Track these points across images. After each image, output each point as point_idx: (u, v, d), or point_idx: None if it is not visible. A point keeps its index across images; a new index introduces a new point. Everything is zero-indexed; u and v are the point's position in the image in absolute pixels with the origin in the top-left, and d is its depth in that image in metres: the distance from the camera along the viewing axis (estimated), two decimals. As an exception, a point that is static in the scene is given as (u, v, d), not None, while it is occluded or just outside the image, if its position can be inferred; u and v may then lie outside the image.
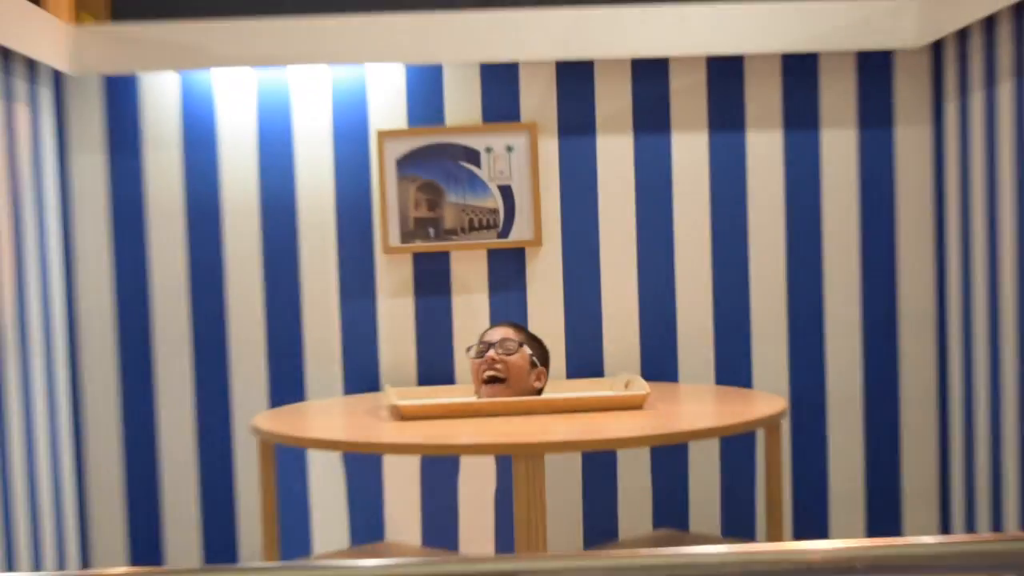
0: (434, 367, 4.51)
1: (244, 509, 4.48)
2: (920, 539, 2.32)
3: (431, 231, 4.45)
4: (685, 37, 4.36)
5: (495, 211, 4.46)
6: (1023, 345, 3.84)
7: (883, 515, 4.55)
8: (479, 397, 3.91)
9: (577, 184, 4.50)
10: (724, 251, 4.51)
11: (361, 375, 4.50)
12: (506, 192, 4.45)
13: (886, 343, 4.53)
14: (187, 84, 4.45)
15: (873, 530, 4.53)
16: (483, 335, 4.04)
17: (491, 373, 3.89)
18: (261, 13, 4.38)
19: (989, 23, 3.99)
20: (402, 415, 3.60)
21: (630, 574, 2.26)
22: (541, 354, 4.03)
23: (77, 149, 4.43)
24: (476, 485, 4.52)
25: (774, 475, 3.70)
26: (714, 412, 3.90)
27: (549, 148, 4.47)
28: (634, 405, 3.70)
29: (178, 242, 4.46)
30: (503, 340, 3.93)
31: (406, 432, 3.48)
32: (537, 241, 4.45)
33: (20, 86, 4.04)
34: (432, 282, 4.50)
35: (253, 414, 4.20)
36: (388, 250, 4.43)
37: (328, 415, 4.08)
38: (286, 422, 3.82)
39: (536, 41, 4.35)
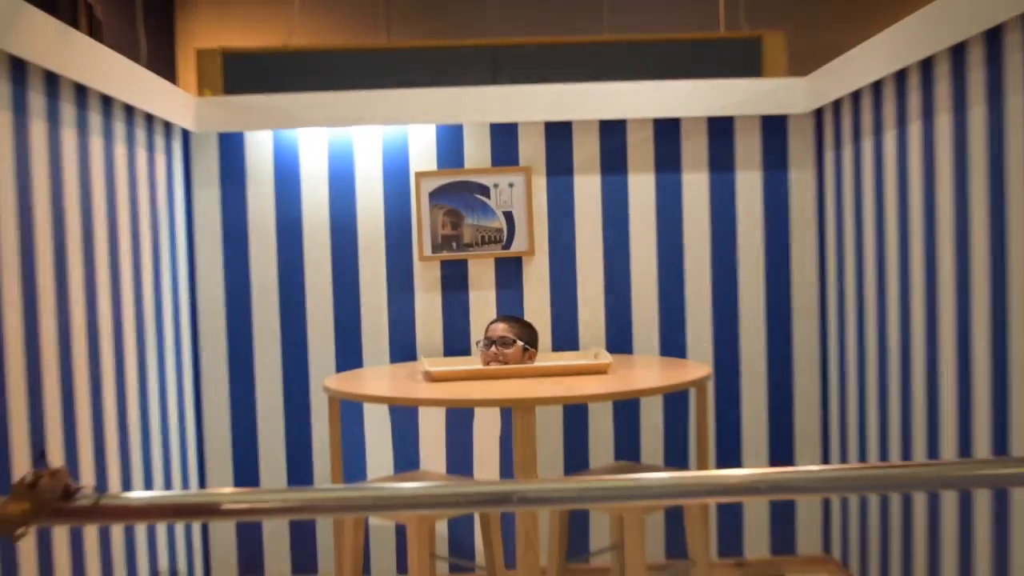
0: (456, 343, 4.59)
1: (317, 446, 4.58)
2: (807, 468, 2.57)
3: (454, 244, 4.54)
4: (637, 106, 4.48)
5: (500, 230, 4.54)
6: (881, 328, 3.97)
7: (780, 451, 4.65)
8: (487, 367, 3.95)
9: (559, 211, 4.59)
10: (666, 259, 4.60)
11: (402, 348, 4.59)
12: (508, 216, 4.54)
13: (782, 326, 4.64)
14: (278, 139, 4.55)
15: (773, 462, 4.63)
16: (488, 330, 4.06)
17: (495, 365, 3.93)
18: (331, 88, 4.48)
19: (855, 96, 4.14)
20: (432, 378, 3.65)
21: (596, 493, 2.48)
22: (531, 338, 4.05)
23: (199, 186, 4.55)
24: (486, 429, 4.60)
25: (702, 422, 3.72)
26: (659, 376, 3.87)
27: (540, 185, 4.58)
28: (600, 371, 3.77)
29: (270, 252, 4.57)
30: (502, 337, 3.96)
31: (435, 390, 3.49)
32: (531, 252, 4.55)
33: (159, 141, 4.18)
34: (454, 281, 4.59)
35: (323, 377, 4.34)
36: (423, 258, 4.54)
37: (378, 378, 4.07)
38: (348, 383, 3.83)
39: (530, 108, 4.47)
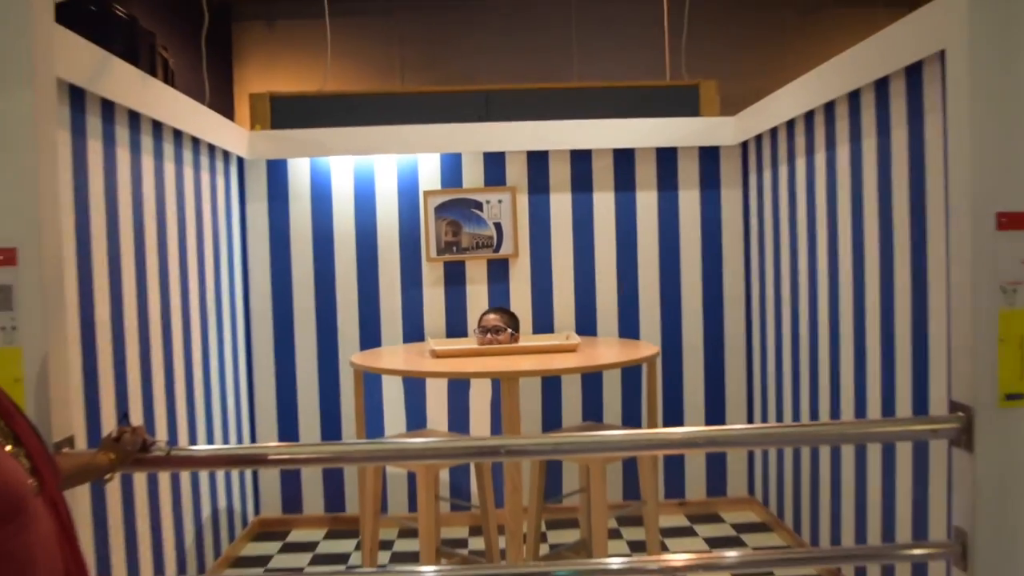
0: (456, 327, 4.57)
1: (345, 409, 4.56)
2: (735, 426, 2.60)
3: (454, 248, 4.53)
4: (600, 138, 4.49)
5: (491, 237, 4.54)
6: (794, 313, 3.98)
7: (714, 413, 4.66)
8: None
9: (539, 222, 4.59)
10: (623, 260, 4.60)
11: (413, 331, 4.58)
12: (498, 226, 4.54)
13: (716, 313, 4.64)
14: (314, 164, 4.55)
15: (708, 421, 4.64)
16: (483, 320, 4.00)
17: None
18: (357, 124, 4.47)
19: (773, 131, 4.15)
20: (437, 355, 3.62)
21: (568, 446, 2.49)
22: (516, 325, 4.02)
23: (251, 201, 4.54)
24: (480, 396, 4.59)
25: (652, 390, 3.72)
26: (617, 353, 3.82)
27: (522, 201, 4.58)
28: (571, 349, 3.75)
29: (307, 254, 4.56)
30: (495, 326, 3.92)
31: (439, 365, 3.46)
32: (516, 254, 4.55)
33: (219, 166, 4.18)
34: (455, 278, 4.58)
35: (350, 353, 4.36)
36: (429, 259, 4.53)
37: (393, 355, 4.03)
38: (369, 359, 3.79)
39: (515, 140, 4.47)
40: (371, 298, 4.58)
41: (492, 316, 4.02)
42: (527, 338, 4.24)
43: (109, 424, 2.86)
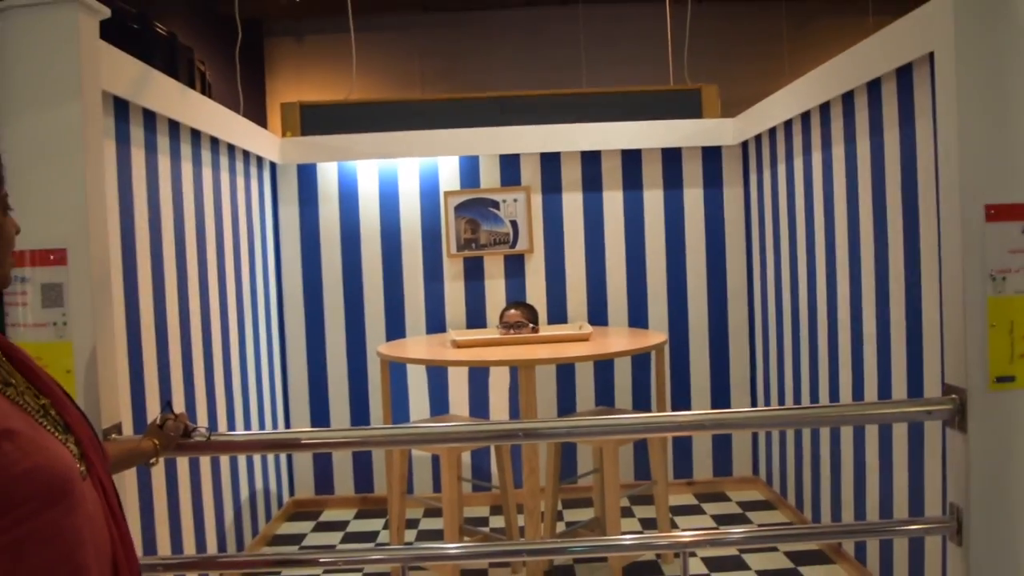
0: (475, 318, 4.57)
1: (373, 396, 4.56)
2: (740, 410, 2.59)
3: (473, 245, 4.53)
4: (609, 140, 4.47)
5: (508, 234, 4.53)
6: (794, 303, 3.96)
7: (720, 397, 4.64)
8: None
9: (552, 219, 4.57)
10: (632, 254, 4.58)
11: (435, 323, 4.57)
12: (514, 224, 4.53)
13: (720, 304, 4.61)
14: (341, 168, 4.55)
15: (714, 405, 4.62)
16: (505, 316, 4.02)
17: None
18: (381, 130, 4.46)
19: (772, 132, 4.12)
20: (458, 345, 3.64)
21: (582, 430, 2.49)
22: (534, 318, 4.04)
23: (283, 203, 4.55)
24: (499, 383, 4.59)
25: (660, 376, 3.71)
26: (628, 342, 3.81)
27: (537, 200, 4.56)
28: (584, 338, 3.75)
29: (336, 252, 4.56)
30: (517, 323, 3.93)
31: (460, 354, 3.48)
32: (531, 250, 4.53)
33: (253, 171, 4.19)
34: (473, 273, 4.57)
35: (377, 344, 4.40)
36: (450, 255, 4.53)
37: (417, 345, 4.04)
38: (395, 349, 3.80)
39: (529, 143, 4.46)
40: (396, 292, 4.58)
41: (514, 312, 4.03)
42: (543, 328, 4.20)
43: (153, 412, 2.88)
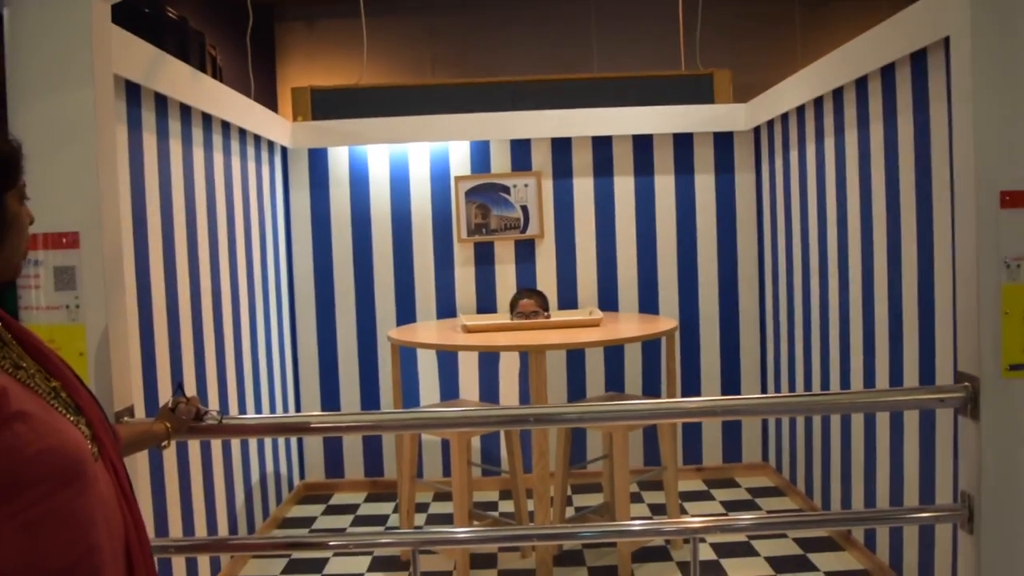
0: (485, 303, 4.57)
1: (383, 381, 4.57)
2: (750, 396, 2.58)
3: (483, 230, 4.52)
4: (620, 125, 4.45)
5: (518, 219, 4.52)
6: (805, 290, 3.94)
7: (729, 384, 4.62)
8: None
9: (562, 205, 4.56)
10: (643, 240, 4.56)
11: (446, 308, 4.57)
12: (524, 209, 4.52)
13: (730, 290, 4.59)
14: (352, 153, 4.55)
15: (724, 391, 4.61)
16: (519, 305, 4.01)
17: None
18: (392, 115, 4.46)
19: (784, 117, 4.09)
20: (468, 330, 3.63)
21: (592, 415, 2.49)
22: (546, 305, 4.04)
23: (294, 187, 4.55)
24: (509, 368, 4.59)
25: (671, 362, 3.71)
26: (638, 327, 3.80)
27: (547, 185, 4.55)
28: (594, 324, 3.75)
29: (347, 236, 4.56)
30: (532, 311, 3.94)
31: (471, 339, 3.48)
32: (541, 235, 4.53)
33: (264, 155, 4.19)
34: (484, 258, 4.57)
35: (387, 329, 4.39)
36: (460, 240, 4.53)
37: (427, 329, 4.02)
38: (405, 333, 3.81)
39: (540, 128, 4.44)
40: (406, 277, 4.58)
41: (527, 302, 4.03)
42: (553, 313, 4.21)
43: (165, 395, 2.89)
